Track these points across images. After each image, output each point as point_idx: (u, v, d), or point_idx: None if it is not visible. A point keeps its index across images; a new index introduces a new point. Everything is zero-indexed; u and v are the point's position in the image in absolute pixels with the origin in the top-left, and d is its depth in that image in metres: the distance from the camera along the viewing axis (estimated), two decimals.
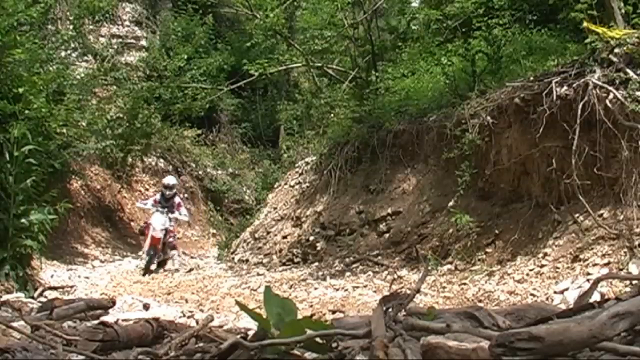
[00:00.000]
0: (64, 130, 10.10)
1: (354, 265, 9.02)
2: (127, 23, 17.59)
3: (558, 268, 6.43)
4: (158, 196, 11.36)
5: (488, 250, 7.74)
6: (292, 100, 17.24)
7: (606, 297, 4.60)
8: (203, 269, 11.11)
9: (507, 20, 9.07)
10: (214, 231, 15.29)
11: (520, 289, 6.40)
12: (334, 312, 6.46)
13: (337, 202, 10.36)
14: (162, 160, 16.39)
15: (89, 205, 13.58)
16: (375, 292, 7.43)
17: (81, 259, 11.45)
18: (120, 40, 16.27)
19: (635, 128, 6.39)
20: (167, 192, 11.09)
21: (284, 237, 11.05)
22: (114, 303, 4.89)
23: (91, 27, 13.96)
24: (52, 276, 8.62)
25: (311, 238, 10.32)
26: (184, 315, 5.99)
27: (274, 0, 13.37)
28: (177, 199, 11.33)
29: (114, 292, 7.89)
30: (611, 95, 6.63)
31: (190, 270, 10.90)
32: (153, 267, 10.66)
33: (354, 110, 11.24)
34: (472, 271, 7.38)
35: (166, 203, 11.00)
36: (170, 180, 11.56)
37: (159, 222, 10.67)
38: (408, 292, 3.16)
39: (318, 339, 2.44)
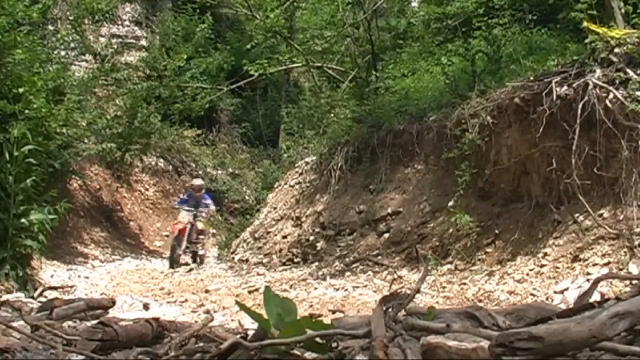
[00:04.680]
0: (64, 130, 10.09)
1: (354, 265, 9.01)
2: (127, 23, 17.57)
3: (558, 268, 6.43)
4: (186, 195, 12.69)
5: (488, 250, 7.74)
6: (293, 100, 17.22)
7: (606, 297, 4.59)
8: (203, 269, 11.13)
9: (507, 20, 9.08)
10: (214, 231, 15.28)
11: (520, 289, 6.40)
12: (334, 312, 6.46)
13: (337, 202, 10.35)
14: (161, 160, 16.40)
15: (89, 205, 13.59)
16: (375, 292, 7.42)
17: (81, 258, 11.45)
18: (120, 40, 16.25)
19: (635, 128, 6.39)
20: (197, 194, 12.33)
21: (284, 237, 11.04)
22: (114, 303, 4.89)
23: (91, 27, 13.96)
24: (52, 276, 8.62)
25: (311, 238, 10.31)
26: (184, 315, 5.99)
27: (274, 1, 13.37)
28: (205, 198, 12.45)
29: (114, 292, 7.89)
30: (611, 95, 6.63)
31: (190, 270, 10.92)
32: (185, 258, 11.58)
33: (354, 110, 11.24)
34: (472, 271, 7.38)
35: (194, 201, 12.17)
36: (196, 181, 12.94)
37: (184, 216, 11.91)
38: (408, 292, 3.16)
39: (318, 339, 2.44)
